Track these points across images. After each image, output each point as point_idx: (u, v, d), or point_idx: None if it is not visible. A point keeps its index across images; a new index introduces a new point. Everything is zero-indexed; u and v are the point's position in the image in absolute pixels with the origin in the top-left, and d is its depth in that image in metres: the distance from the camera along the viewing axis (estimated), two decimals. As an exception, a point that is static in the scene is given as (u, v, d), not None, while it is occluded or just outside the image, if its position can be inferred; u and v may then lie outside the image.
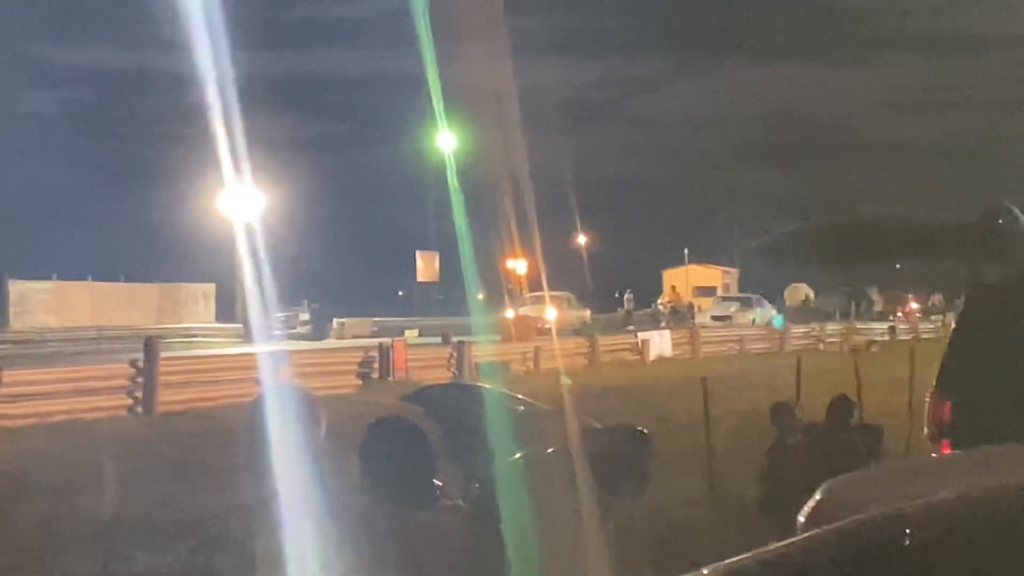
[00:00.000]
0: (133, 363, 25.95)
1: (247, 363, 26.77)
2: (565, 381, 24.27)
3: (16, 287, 64.17)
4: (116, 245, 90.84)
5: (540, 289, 59.58)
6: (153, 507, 14.05)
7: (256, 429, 5.79)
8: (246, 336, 52.89)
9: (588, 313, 67.63)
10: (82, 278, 69.55)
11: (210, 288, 72.98)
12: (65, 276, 68.73)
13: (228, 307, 66.93)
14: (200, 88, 20.21)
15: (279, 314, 55.09)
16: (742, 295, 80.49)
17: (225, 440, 16.36)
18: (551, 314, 54.33)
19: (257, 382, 17.53)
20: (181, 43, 19.71)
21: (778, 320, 66.37)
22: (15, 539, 12.71)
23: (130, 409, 25.26)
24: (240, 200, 48.91)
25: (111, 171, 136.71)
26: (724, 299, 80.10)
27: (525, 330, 46.44)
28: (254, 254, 25.99)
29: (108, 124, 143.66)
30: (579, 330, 58.77)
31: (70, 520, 13.45)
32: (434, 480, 5.80)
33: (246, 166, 32.16)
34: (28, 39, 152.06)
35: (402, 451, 5.74)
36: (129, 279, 72.29)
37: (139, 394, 25.50)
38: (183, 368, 28.12)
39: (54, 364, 32.05)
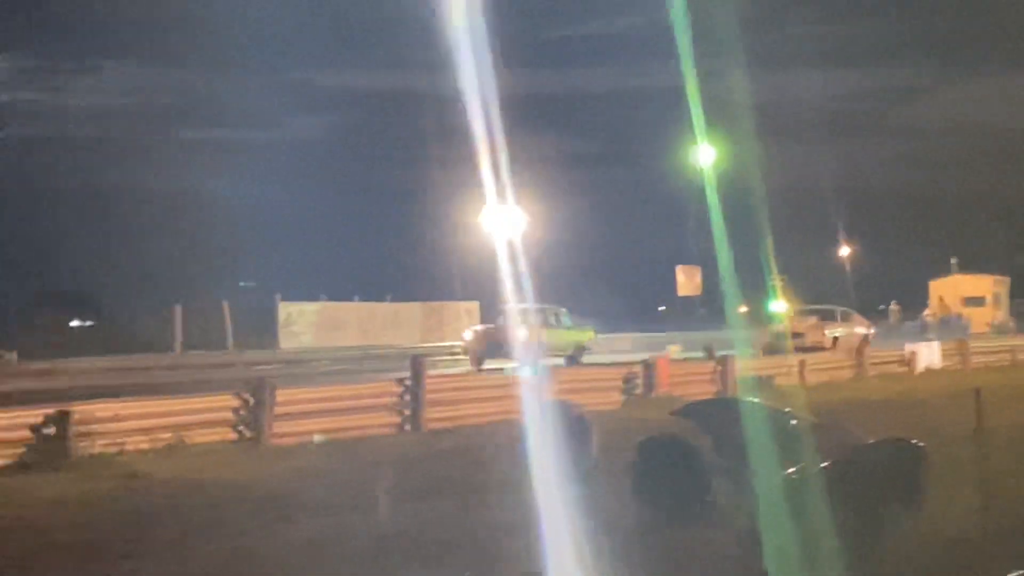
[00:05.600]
0: (400, 381, 26.25)
1: (511, 379, 26.92)
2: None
3: (286, 308, 65.83)
4: (382, 265, 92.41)
5: (806, 303, 59.20)
6: (424, 525, 14.13)
7: (526, 445, 5.76)
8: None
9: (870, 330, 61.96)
10: (349, 299, 70.97)
11: (473, 306, 73.55)
12: (333, 297, 70.25)
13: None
14: (462, 108, 20.42)
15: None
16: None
17: (493, 456, 16.47)
18: (836, 332, 54.76)
19: (522, 399, 17.62)
20: (443, 64, 19.97)
21: None
22: (287, 558, 12.88)
23: (398, 427, 25.58)
24: (502, 218, 49.32)
25: (376, 193, 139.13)
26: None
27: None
28: (516, 272, 26.16)
29: (373, 146, 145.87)
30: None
31: (341, 539, 13.61)
32: (707, 497, 5.68)
33: (507, 184, 32.45)
34: (293, 65, 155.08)
35: (674, 468, 5.64)
36: (395, 299, 73.46)
37: (407, 412, 25.80)
38: (449, 386, 28.32)
39: (323, 383, 32.60)
